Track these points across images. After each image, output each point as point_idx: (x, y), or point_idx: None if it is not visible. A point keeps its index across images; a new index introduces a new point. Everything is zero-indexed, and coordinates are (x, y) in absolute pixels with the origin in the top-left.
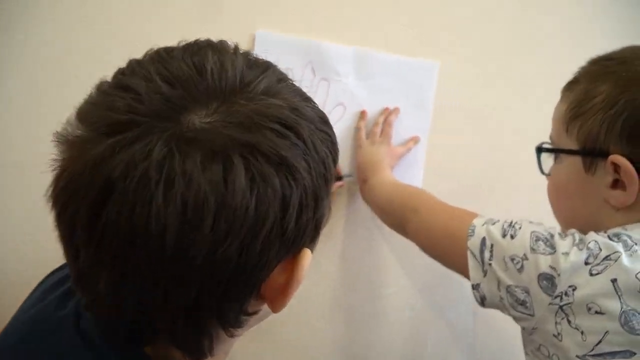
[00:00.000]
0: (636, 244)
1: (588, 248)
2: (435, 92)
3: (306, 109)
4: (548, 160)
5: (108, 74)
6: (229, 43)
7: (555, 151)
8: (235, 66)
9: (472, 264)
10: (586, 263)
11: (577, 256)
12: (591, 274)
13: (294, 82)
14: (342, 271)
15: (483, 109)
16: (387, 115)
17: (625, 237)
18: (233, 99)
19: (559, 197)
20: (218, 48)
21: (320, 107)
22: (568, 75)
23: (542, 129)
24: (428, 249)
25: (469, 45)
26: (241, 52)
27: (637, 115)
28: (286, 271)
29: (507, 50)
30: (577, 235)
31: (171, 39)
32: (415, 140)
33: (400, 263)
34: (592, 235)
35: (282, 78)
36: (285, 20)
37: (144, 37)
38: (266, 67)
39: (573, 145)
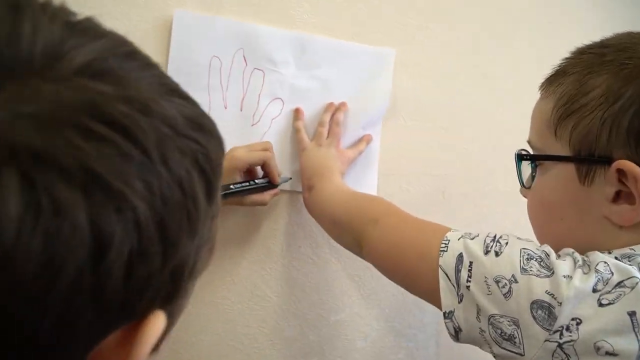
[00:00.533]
0: None
1: (597, 271)
2: (391, 84)
3: (162, 104)
4: (527, 170)
5: None
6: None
7: (542, 158)
8: (39, 30)
9: (444, 286)
10: (594, 290)
11: (582, 281)
12: (601, 304)
13: (157, 65)
14: (282, 295)
15: (447, 105)
16: (334, 112)
17: None
18: (24, 79)
19: (546, 215)
20: (20, 4)
21: (254, 102)
22: (545, 69)
23: (517, 128)
24: (389, 271)
25: (430, 32)
26: (71, 17)
27: None
28: (126, 345)
29: (475, 37)
30: (578, 256)
31: None
32: (367, 140)
33: (352, 285)
34: (598, 256)
35: (129, 54)
36: None
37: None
38: (101, 35)
39: (564, 151)
